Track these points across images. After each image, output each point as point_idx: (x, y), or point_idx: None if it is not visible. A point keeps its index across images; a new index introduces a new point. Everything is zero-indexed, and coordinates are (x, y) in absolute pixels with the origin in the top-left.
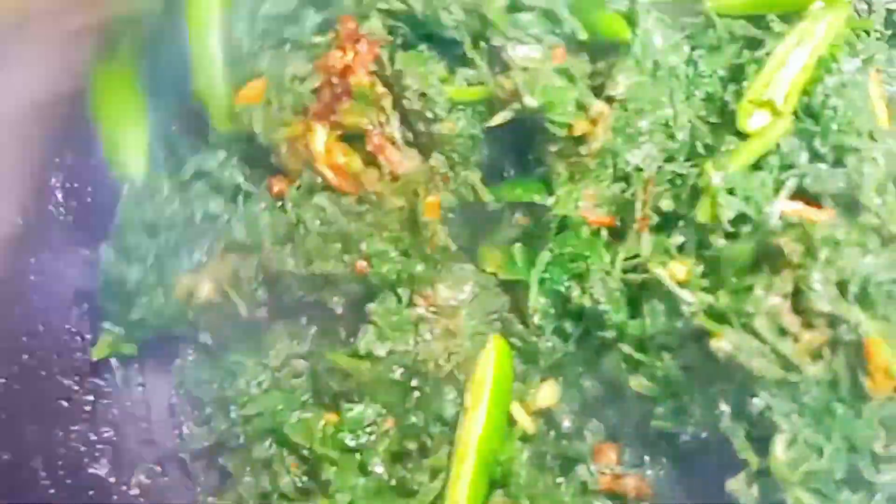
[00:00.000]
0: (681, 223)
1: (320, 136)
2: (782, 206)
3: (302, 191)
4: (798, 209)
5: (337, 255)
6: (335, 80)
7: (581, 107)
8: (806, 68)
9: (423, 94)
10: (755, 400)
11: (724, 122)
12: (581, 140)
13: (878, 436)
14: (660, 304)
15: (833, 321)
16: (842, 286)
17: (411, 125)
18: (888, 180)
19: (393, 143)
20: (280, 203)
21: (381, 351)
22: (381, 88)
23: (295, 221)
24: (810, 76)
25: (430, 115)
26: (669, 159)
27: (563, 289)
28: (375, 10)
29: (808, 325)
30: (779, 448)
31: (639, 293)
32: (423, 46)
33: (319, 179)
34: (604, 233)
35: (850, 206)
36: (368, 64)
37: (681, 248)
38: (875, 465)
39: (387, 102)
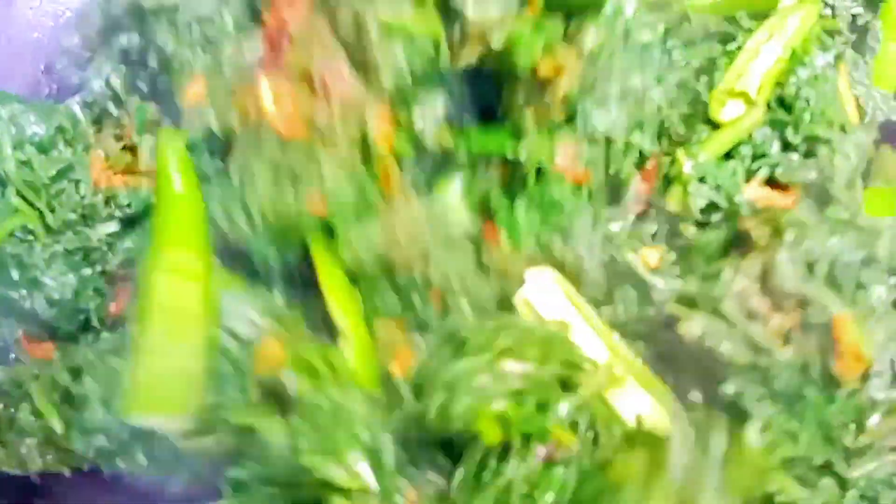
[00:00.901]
0: (653, 211)
1: (266, 90)
2: (750, 193)
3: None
4: (764, 194)
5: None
6: (274, 32)
7: (549, 51)
8: (779, 60)
9: (356, 23)
10: (727, 386)
11: (696, 112)
12: (546, 85)
13: (849, 428)
14: (632, 291)
15: (802, 302)
16: (810, 267)
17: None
18: (857, 174)
19: (339, 76)
20: None
21: None
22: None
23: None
24: (783, 68)
25: (364, 43)
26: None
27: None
28: None
29: (778, 308)
30: (752, 435)
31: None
32: None
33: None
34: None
35: (820, 196)
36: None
37: (653, 237)
38: (846, 458)
39: (326, 35)
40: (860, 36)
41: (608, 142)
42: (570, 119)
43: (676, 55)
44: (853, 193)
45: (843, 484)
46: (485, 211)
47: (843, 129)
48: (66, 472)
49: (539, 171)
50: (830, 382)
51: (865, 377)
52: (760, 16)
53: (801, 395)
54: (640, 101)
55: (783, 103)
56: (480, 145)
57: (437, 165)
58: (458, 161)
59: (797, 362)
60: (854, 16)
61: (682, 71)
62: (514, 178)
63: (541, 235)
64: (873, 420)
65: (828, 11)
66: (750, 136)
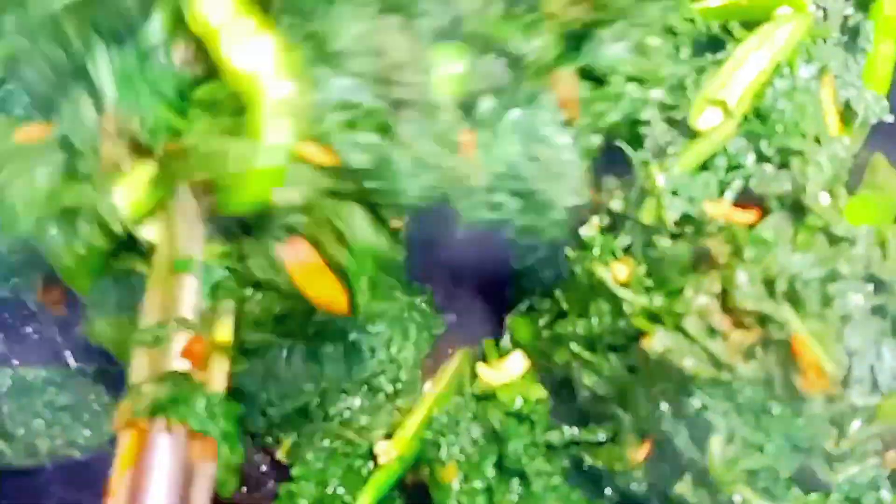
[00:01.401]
0: (628, 224)
1: None
2: (710, 209)
3: None
4: (724, 211)
5: None
6: None
7: None
8: (763, 73)
9: None
10: (692, 399)
11: (676, 120)
12: None
13: (830, 433)
14: (605, 304)
15: (762, 320)
16: (769, 285)
17: None
18: (835, 183)
19: None
20: None
21: None
22: None
23: None
24: (765, 80)
25: None
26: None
27: None
28: None
29: (739, 325)
30: (715, 447)
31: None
32: None
33: None
34: None
35: (795, 207)
36: None
37: (627, 249)
38: (829, 463)
39: None
40: (851, 37)
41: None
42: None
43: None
44: (831, 203)
45: (826, 487)
46: None
47: (817, 140)
48: None
49: None
50: (795, 396)
51: (833, 390)
52: (753, 25)
53: (765, 409)
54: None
55: (759, 114)
56: None
57: None
58: None
59: (760, 377)
60: (846, 17)
61: (672, 78)
62: None
63: None
64: (854, 426)
65: (820, 13)
66: (725, 147)
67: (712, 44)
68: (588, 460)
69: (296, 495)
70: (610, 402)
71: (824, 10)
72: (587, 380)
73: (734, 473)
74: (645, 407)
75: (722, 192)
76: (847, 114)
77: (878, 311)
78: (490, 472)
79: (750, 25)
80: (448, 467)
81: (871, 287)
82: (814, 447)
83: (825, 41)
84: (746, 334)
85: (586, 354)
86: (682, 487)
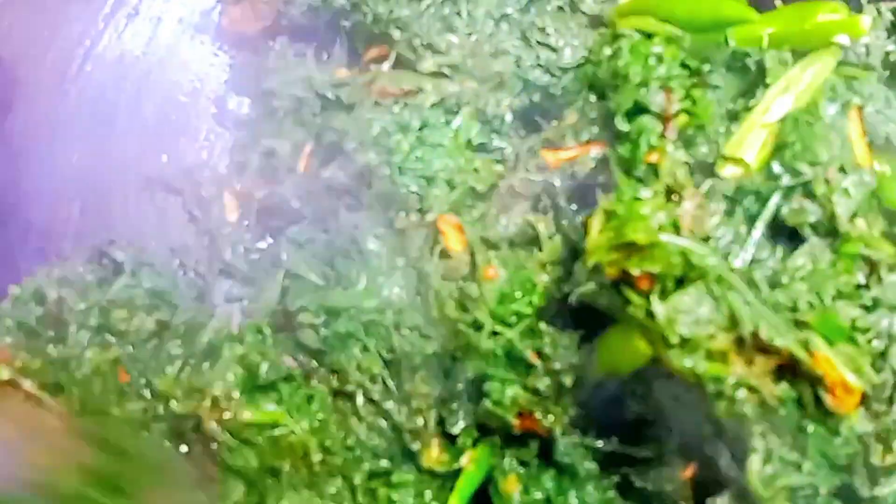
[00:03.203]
0: None
1: None
2: None
3: None
4: None
5: None
6: None
7: None
8: (787, 115)
9: None
10: (728, 422)
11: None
12: None
13: (876, 449)
14: None
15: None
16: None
17: None
18: (868, 211)
19: None
20: None
21: None
22: None
23: None
24: (788, 128)
25: None
26: None
27: None
28: None
29: (763, 351)
30: (754, 465)
31: None
32: None
33: None
34: None
35: (829, 234)
36: None
37: None
38: (873, 478)
39: None
40: (893, 72)
41: None
42: None
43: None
44: (867, 229)
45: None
46: None
47: (842, 170)
48: None
49: None
50: (828, 416)
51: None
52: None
53: (801, 428)
54: None
55: (782, 148)
56: None
57: None
58: None
59: (792, 396)
60: (887, 52)
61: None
62: None
63: None
64: None
65: (862, 50)
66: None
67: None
68: (637, 482)
69: None
70: (655, 426)
71: (867, 46)
72: (635, 405)
73: (773, 490)
74: (688, 430)
75: (750, 229)
76: (888, 148)
77: None
78: (548, 483)
79: (799, 55)
80: (509, 478)
81: None
82: (855, 464)
83: (856, 78)
84: (770, 358)
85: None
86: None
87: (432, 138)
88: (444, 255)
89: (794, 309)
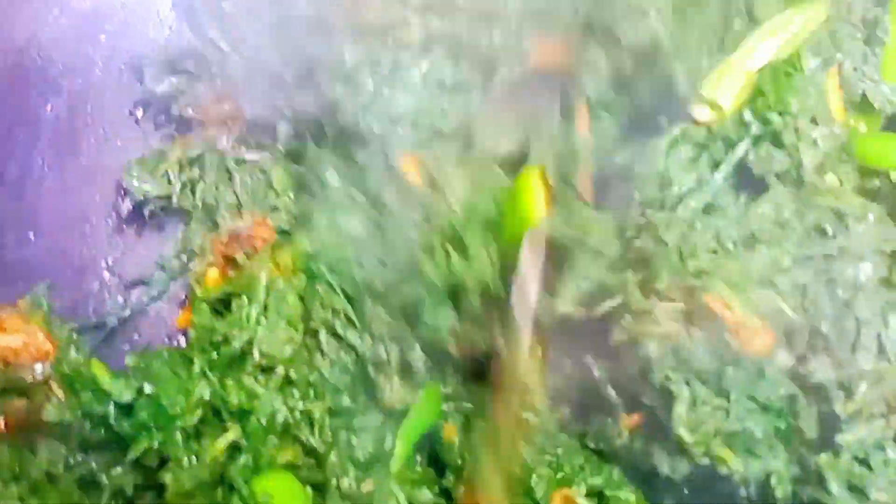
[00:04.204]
0: None
1: None
2: None
3: None
4: None
5: None
6: None
7: None
8: (768, 64)
9: None
10: (656, 374)
11: None
12: None
13: (838, 397)
14: None
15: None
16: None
17: None
18: (838, 163)
19: None
20: None
21: None
22: None
23: None
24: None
25: None
26: None
27: None
28: None
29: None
30: (678, 411)
31: None
32: None
33: None
34: None
35: (795, 183)
36: None
37: None
38: (834, 425)
39: None
40: (871, 30)
41: None
42: None
43: None
44: (839, 183)
45: (835, 448)
46: None
47: (814, 121)
48: None
49: None
50: (749, 360)
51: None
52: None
53: (721, 373)
54: None
55: (757, 96)
56: None
57: None
58: None
59: (706, 341)
60: (866, 10)
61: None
62: None
63: None
64: (861, 389)
65: (845, 7)
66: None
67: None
68: (591, 443)
69: None
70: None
71: (849, 3)
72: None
73: (699, 436)
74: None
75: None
76: (864, 105)
77: (885, 283)
78: None
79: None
80: (449, 425)
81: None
82: (798, 408)
83: (837, 33)
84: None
85: None
86: (659, 455)
87: (402, 78)
88: (406, 191)
89: (694, 255)
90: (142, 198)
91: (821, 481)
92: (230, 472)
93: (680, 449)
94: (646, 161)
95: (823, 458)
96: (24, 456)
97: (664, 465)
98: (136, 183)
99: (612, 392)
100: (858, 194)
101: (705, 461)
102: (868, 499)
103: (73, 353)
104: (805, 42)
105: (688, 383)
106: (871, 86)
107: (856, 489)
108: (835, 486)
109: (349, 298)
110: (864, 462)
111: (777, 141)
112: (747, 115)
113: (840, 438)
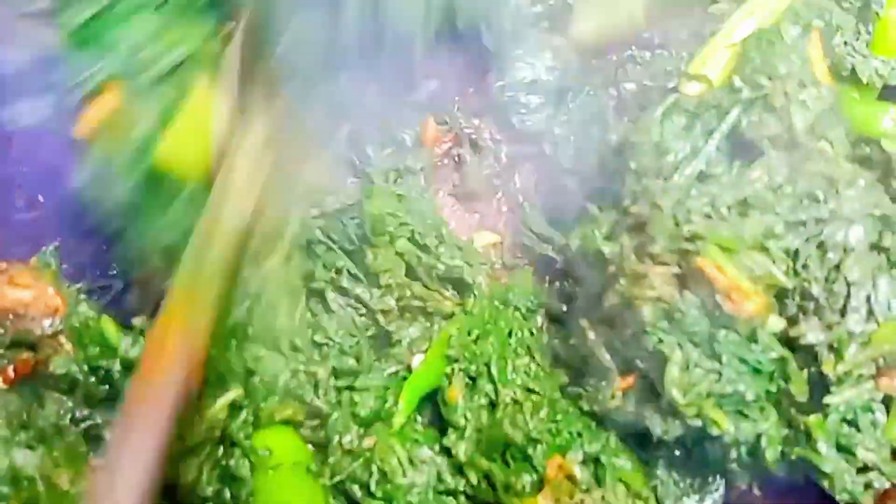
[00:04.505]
0: None
1: None
2: None
3: None
4: None
5: None
6: None
7: None
8: (750, 36)
9: None
10: (650, 338)
11: None
12: None
13: (828, 359)
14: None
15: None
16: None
17: None
18: (828, 128)
19: None
20: None
21: None
22: None
23: None
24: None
25: None
26: None
27: None
28: None
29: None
30: (671, 374)
31: None
32: None
33: None
34: None
35: (787, 146)
36: None
37: None
38: (823, 387)
39: None
40: (865, 4)
41: None
42: None
43: None
44: (830, 147)
45: (824, 410)
46: None
47: (801, 84)
48: None
49: None
50: (739, 322)
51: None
52: None
53: (713, 338)
54: None
55: (744, 65)
56: None
57: None
58: None
59: (699, 305)
60: None
61: None
62: None
63: None
64: (851, 351)
65: None
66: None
67: None
68: (586, 406)
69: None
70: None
71: None
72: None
73: (691, 397)
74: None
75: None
76: (853, 78)
77: (875, 246)
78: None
79: None
80: (454, 387)
81: (870, 224)
82: (788, 371)
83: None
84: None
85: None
86: (651, 417)
87: None
88: None
89: (689, 220)
90: None
91: (809, 441)
92: (231, 429)
93: (672, 411)
94: (641, 131)
95: (812, 419)
96: (32, 407)
97: (657, 426)
98: None
99: (606, 355)
100: (850, 161)
101: (697, 423)
102: (856, 458)
103: (83, 308)
104: (783, 15)
105: (680, 346)
106: (861, 60)
107: (844, 449)
108: (823, 447)
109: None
110: (853, 423)
111: (767, 105)
112: (737, 82)
113: (829, 400)
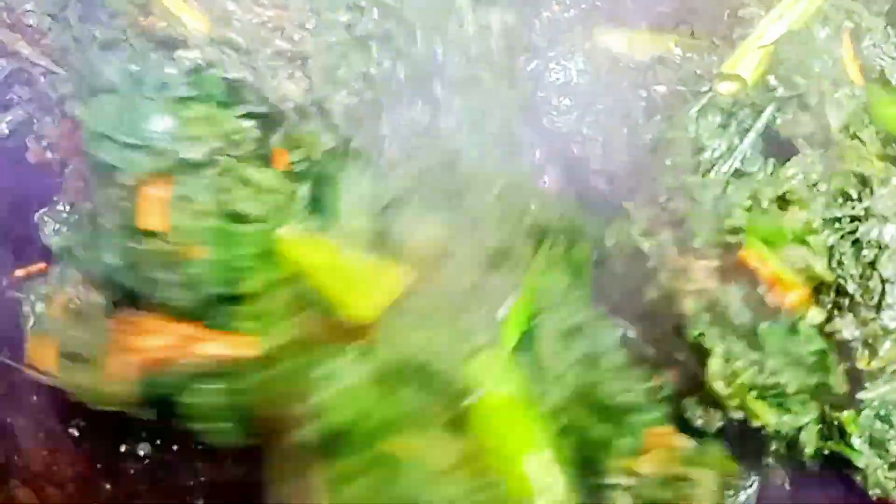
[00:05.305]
0: None
1: None
2: None
3: None
4: None
5: None
6: None
7: None
8: (780, 39)
9: None
10: (691, 330)
11: None
12: None
13: (862, 354)
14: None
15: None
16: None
17: None
18: (861, 126)
19: None
20: None
21: None
22: None
23: None
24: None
25: None
26: None
27: None
28: None
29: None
30: (713, 366)
31: None
32: None
33: None
34: None
35: (823, 144)
36: None
37: None
38: (857, 382)
39: None
40: (892, 6)
41: None
42: None
43: None
44: (862, 145)
45: (857, 405)
46: None
47: (834, 82)
48: None
49: None
50: (781, 314)
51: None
52: None
53: (755, 328)
54: None
55: (777, 65)
56: None
57: None
58: None
59: (741, 297)
60: None
61: None
62: None
63: None
64: (885, 346)
65: None
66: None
67: None
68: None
69: None
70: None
71: None
72: None
73: (734, 389)
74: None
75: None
76: (881, 80)
77: None
78: None
79: None
80: None
81: None
82: (829, 363)
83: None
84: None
85: None
86: (689, 404)
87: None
88: None
89: (730, 214)
90: None
91: (843, 436)
92: None
93: (713, 403)
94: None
95: (846, 414)
96: None
97: (697, 419)
98: None
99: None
100: (881, 160)
101: (738, 415)
102: (888, 453)
103: None
104: (813, 18)
105: (722, 338)
106: (890, 62)
107: (877, 444)
108: (856, 441)
109: None
110: (886, 419)
111: (802, 104)
112: (772, 80)
113: (862, 395)
